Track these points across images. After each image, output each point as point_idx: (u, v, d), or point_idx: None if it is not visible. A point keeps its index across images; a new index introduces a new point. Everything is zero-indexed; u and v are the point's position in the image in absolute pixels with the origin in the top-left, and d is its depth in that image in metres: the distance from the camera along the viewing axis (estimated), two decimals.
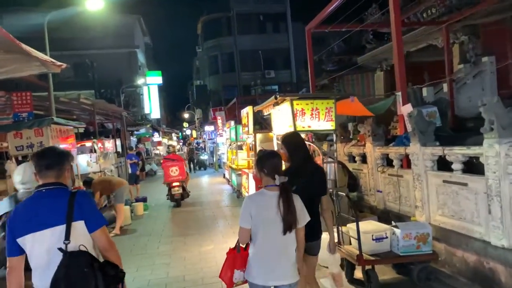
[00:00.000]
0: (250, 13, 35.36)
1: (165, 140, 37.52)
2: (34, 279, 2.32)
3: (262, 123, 10.50)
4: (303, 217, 2.82)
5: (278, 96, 6.23)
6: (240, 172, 11.72)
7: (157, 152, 32.55)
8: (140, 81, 29.18)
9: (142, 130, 27.37)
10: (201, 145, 33.54)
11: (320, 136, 8.31)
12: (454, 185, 4.51)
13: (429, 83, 8.96)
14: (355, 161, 7.51)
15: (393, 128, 7.93)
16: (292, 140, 3.58)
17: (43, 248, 2.27)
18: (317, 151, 6.59)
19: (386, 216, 6.03)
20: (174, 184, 11.57)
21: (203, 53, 39.92)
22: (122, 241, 7.71)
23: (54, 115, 10.14)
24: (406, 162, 5.80)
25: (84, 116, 15.58)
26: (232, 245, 3.04)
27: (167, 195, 11.93)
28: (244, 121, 10.77)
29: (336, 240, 4.40)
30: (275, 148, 6.47)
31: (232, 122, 15.27)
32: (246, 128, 10.42)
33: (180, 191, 11.58)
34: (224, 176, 17.86)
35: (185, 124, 47.77)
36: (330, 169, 6.25)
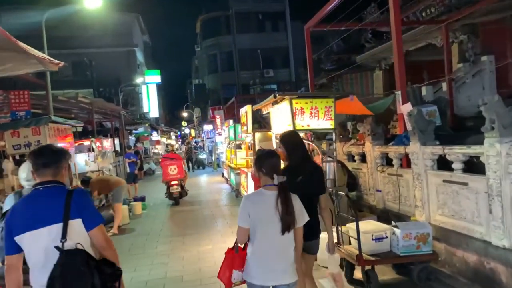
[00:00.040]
0: (249, 12, 35.30)
1: (163, 139, 37.46)
2: (32, 278, 2.31)
3: (261, 122, 10.48)
4: (302, 217, 2.80)
5: (277, 95, 6.19)
6: (238, 171, 11.69)
7: (156, 151, 32.48)
8: (138, 80, 29.13)
9: (141, 129, 27.33)
10: (199, 144, 33.49)
11: (319, 135, 8.28)
12: (455, 184, 4.48)
13: (429, 82, 8.94)
14: (354, 160, 7.48)
15: (393, 127, 7.90)
16: (290, 139, 3.58)
17: (40, 246, 2.26)
18: (316, 150, 6.55)
19: (385, 215, 6.01)
20: (173, 182, 11.66)
21: (202, 52, 39.85)
22: (120, 240, 7.67)
23: (52, 114, 10.09)
24: (406, 162, 5.77)
25: (82, 115, 15.55)
26: (231, 245, 3.03)
27: (165, 194, 12.01)
28: (243, 120, 10.73)
29: (335, 240, 4.39)
30: (274, 147, 6.44)
31: (231, 121, 15.23)
32: (245, 127, 10.38)
33: (179, 189, 11.67)
34: (222, 175, 17.83)
35: (184, 123, 47.74)
36: (329, 168, 6.21)
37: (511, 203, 3.76)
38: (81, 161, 11.16)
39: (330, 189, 5.22)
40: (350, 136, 8.54)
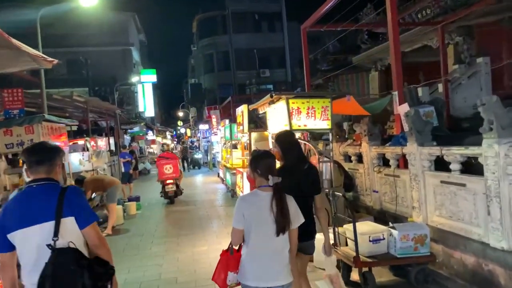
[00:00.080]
0: (246, 12, 35.28)
1: (159, 139, 37.33)
2: (23, 276, 2.29)
3: (257, 122, 10.42)
4: (297, 218, 2.78)
5: (273, 95, 6.15)
6: (234, 171, 11.65)
7: (151, 150, 32.37)
8: (134, 79, 29.02)
9: (136, 129, 27.21)
10: (195, 143, 33.40)
11: (316, 135, 8.24)
12: (452, 185, 4.44)
13: (426, 82, 8.94)
14: (351, 161, 7.44)
15: (390, 127, 7.88)
16: (286, 139, 3.58)
17: (32, 244, 2.24)
18: (312, 150, 6.51)
19: (382, 216, 5.97)
20: (168, 181, 11.78)
21: (198, 51, 39.77)
22: (114, 241, 7.59)
23: (46, 113, 10.00)
24: (403, 162, 5.73)
25: (77, 114, 15.46)
26: (226, 246, 2.99)
27: (160, 193, 12.07)
28: (239, 119, 10.68)
29: (332, 242, 4.35)
30: (270, 147, 6.39)
31: (227, 121, 15.19)
32: (241, 127, 10.33)
33: (174, 188, 11.79)
34: (218, 175, 17.77)
35: (180, 123, 47.58)
36: (326, 168, 6.17)
37: (510, 204, 3.72)
38: (75, 161, 11.07)
39: (327, 190, 5.17)
40: (346, 136, 8.50)
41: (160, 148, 31.99)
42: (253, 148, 9.56)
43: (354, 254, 4.25)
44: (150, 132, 32.73)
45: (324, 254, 3.62)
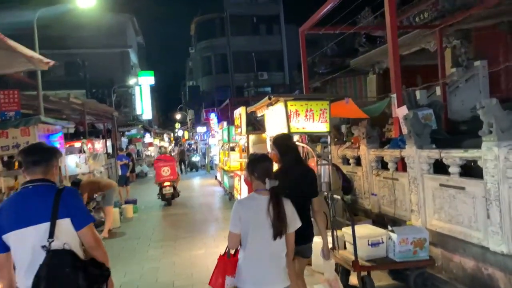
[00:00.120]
0: (244, 15, 35.31)
1: (156, 141, 37.24)
2: (18, 278, 2.28)
3: (255, 124, 10.39)
4: (294, 222, 2.78)
5: (272, 97, 6.11)
6: (232, 174, 11.60)
7: (148, 153, 32.27)
8: (132, 81, 28.94)
9: (134, 131, 27.12)
10: (193, 146, 33.33)
11: (314, 138, 8.21)
12: (451, 188, 4.42)
13: (424, 85, 8.94)
14: (349, 164, 7.41)
15: (388, 130, 7.86)
16: (283, 142, 3.58)
17: (27, 246, 2.23)
18: (311, 153, 6.48)
19: (381, 220, 5.94)
20: (166, 183, 11.91)
21: (196, 54, 39.76)
22: (110, 244, 7.52)
23: (42, 114, 9.94)
24: (401, 165, 5.71)
25: (74, 116, 15.39)
26: (224, 250, 2.96)
27: (158, 194, 12.18)
28: (236, 122, 10.64)
29: (330, 245, 4.31)
30: (269, 150, 6.35)
31: (225, 123, 15.15)
32: (239, 129, 10.28)
33: (171, 190, 11.90)
34: (216, 178, 17.71)
35: (177, 125, 47.50)
36: (324, 171, 6.13)
37: (510, 208, 3.70)
38: (72, 163, 10.97)
39: (326, 193, 5.14)
40: (344, 139, 8.48)
41: (157, 151, 31.91)
42: (251, 150, 9.53)
43: (353, 258, 4.21)
44: (147, 135, 32.65)
45: (323, 257, 3.60)
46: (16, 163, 9.04)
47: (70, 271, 2.19)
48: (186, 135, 40.08)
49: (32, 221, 2.23)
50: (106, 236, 8.09)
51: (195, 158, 26.48)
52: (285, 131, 5.70)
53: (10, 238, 2.24)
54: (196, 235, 7.99)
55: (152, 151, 32.57)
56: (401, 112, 5.66)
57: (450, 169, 4.46)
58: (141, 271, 6.01)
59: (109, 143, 18.74)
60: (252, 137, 10.10)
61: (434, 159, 4.80)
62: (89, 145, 13.01)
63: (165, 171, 11.99)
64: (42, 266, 2.17)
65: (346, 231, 4.57)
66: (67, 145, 11.78)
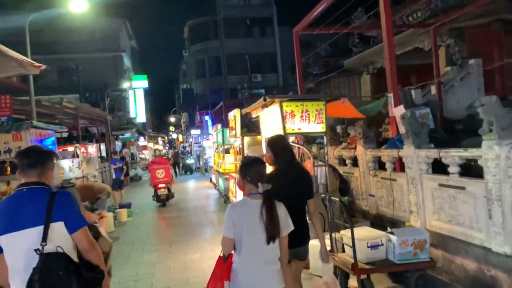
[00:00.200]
0: (237, 17, 35.32)
1: (150, 145, 37.08)
2: (11, 281, 2.27)
3: (250, 126, 10.30)
4: (287, 226, 2.76)
5: (267, 98, 6.03)
6: (227, 176, 11.52)
7: (143, 156, 32.11)
8: (125, 85, 28.80)
9: (127, 135, 27.01)
10: (187, 149, 33.21)
11: (310, 139, 8.14)
12: (451, 188, 4.34)
13: (420, 84, 8.91)
14: (345, 164, 7.34)
15: (385, 130, 7.78)
16: (278, 143, 3.54)
17: (20, 249, 2.23)
18: (306, 154, 6.40)
19: (379, 221, 5.86)
20: (160, 185, 12.20)
21: (190, 57, 39.70)
22: None
23: (35, 119, 9.83)
24: (399, 165, 5.63)
25: (67, 120, 15.31)
26: (219, 253, 2.89)
27: (153, 196, 12.43)
28: (231, 124, 10.55)
29: (329, 248, 4.22)
30: (264, 151, 6.27)
31: (219, 126, 15.07)
32: (234, 131, 10.19)
33: (166, 192, 12.20)
34: (210, 181, 17.62)
35: (171, 128, 47.33)
36: (320, 172, 6.07)
37: None
38: (65, 167, 10.85)
39: (323, 195, 5.05)
40: (340, 139, 8.41)
41: (152, 154, 31.79)
42: (246, 152, 9.44)
43: (352, 260, 4.11)
44: (141, 138, 32.50)
45: (321, 260, 3.53)
46: (9, 168, 8.90)
47: (63, 275, 2.18)
48: (181, 138, 39.94)
49: (25, 224, 2.23)
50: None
51: (190, 161, 26.37)
52: (281, 132, 5.63)
53: (3, 241, 2.24)
54: (191, 239, 7.88)
55: (146, 154, 32.42)
56: (398, 111, 5.59)
57: (450, 169, 4.38)
58: (135, 277, 5.89)
59: (103, 147, 18.61)
60: (247, 139, 10.01)
61: (432, 159, 4.72)
62: (83, 149, 12.89)
63: (160, 173, 12.26)
64: (35, 270, 2.16)
65: (345, 233, 4.48)
66: (60, 150, 11.67)
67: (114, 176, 14.47)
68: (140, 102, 32.01)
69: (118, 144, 25.37)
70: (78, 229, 2.34)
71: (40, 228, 2.22)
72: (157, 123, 56.93)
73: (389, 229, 4.45)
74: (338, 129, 9.38)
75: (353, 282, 4.48)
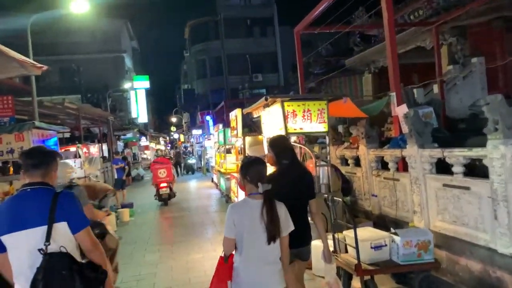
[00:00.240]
0: (238, 18, 35.25)
1: (152, 145, 37.10)
2: (15, 280, 2.30)
3: (252, 126, 10.27)
4: (287, 226, 2.77)
5: (268, 98, 6.00)
6: (228, 176, 11.50)
7: (145, 156, 32.13)
8: (127, 85, 28.84)
9: (129, 135, 27.02)
10: (188, 149, 33.21)
11: (311, 139, 8.10)
12: (455, 189, 4.29)
13: (423, 83, 8.86)
14: (347, 164, 7.30)
15: (387, 129, 7.75)
16: (279, 144, 3.53)
17: (24, 249, 2.25)
18: (308, 154, 6.36)
19: (382, 221, 5.82)
20: (162, 185, 12.42)
21: (191, 57, 39.69)
22: None
23: (37, 120, 9.85)
24: (402, 165, 5.59)
25: (69, 121, 15.34)
26: (221, 253, 2.90)
27: (155, 195, 12.58)
28: (232, 124, 10.52)
29: (331, 249, 4.19)
30: (265, 151, 6.24)
31: (220, 125, 15.05)
32: (235, 131, 10.16)
33: (168, 191, 12.44)
34: (212, 180, 17.60)
35: (173, 128, 47.34)
36: (323, 172, 6.04)
37: None
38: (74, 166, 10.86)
39: (325, 195, 5.01)
40: (343, 139, 8.37)
41: (154, 154, 31.80)
42: (247, 152, 9.42)
43: (355, 261, 4.07)
44: (143, 138, 32.52)
45: (324, 261, 3.50)
46: (11, 168, 8.90)
47: (66, 274, 2.20)
48: (182, 138, 39.94)
49: (29, 224, 2.25)
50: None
51: (191, 161, 26.37)
52: (282, 132, 5.60)
53: (7, 240, 2.26)
54: (193, 239, 7.85)
55: (148, 154, 32.44)
56: (401, 110, 5.55)
57: (454, 169, 4.34)
58: (138, 277, 5.88)
59: (105, 147, 18.63)
60: (248, 139, 9.99)
61: (436, 159, 4.68)
62: (85, 150, 12.92)
63: (162, 173, 12.44)
64: (39, 269, 2.18)
65: (348, 234, 4.44)
66: (63, 150, 11.68)
67: (116, 176, 14.52)
68: (142, 102, 32.06)
69: (120, 144, 25.39)
70: (81, 230, 2.36)
71: (44, 228, 2.24)
72: (159, 123, 56.95)
73: (392, 230, 4.40)
74: (340, 128, 9.35)
75: (356, 283, 4.44)
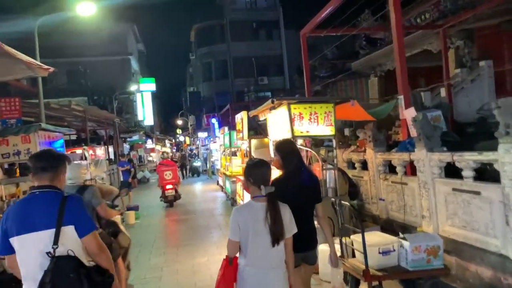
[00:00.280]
0: (244, 21, 35.33)
1: (158, 147, 37.20)
2: (24, 282, 2.32)
3: (257, 129, 10.25)
4: (291, 228, 2.79)
5: (275, 100, 5.97)
6: (234, 179, 11.47)
7: (150, 159, 32.20)
8: (133, 87, 28.98)
9: (135, 137, 27.13)
10: (194, 151, 33.26)
11: (318, 142, 8.05)
12: (465, 193, 4.22)
13: (431, 86, 8.78)
14: (354, 168, 7.23)
15: (395, 133, 7.68)
16: (286, 147, 3.52)
17: (32, 251, 2.27)
18: (314, 157, 6.31)
19: (389, 226, 5.74)
20: (168, 187, 12.64)
21: (197, 60, 39.81)
22: None
23: (43, 122, 9.88)
24: (410, 169, 5.53)
25: (76, 123, 15.41)
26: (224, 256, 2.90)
27: (160, 197, 12.78)
28: (238, 126, 10.51)
29: (339, 253, 4.13)
30: (271, 154, 6.21)
31: (226, 128, 15.05)
32: (241, 134, 10.15)
33: (173, 193, 12.66)
34: (217, 183, 17.58)
35: (179, 131, 47.47)
36: (330, 176, 5.98)
37: None
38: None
39: (333, 199, 4.96)
40: (349, 142, 8.31)
41: (160, 156, 31.90)
42: (252, 155, 9.40)
43: (363, 266, 4.01)
44: (149, 141, 32.62)
45: (330, 265, 3.47)
46: (18, 170, 8.92)
47: (74, 277, 2.22)
48: (188, 141, 40.02)
49: (38, 226, 2.27)
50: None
51: (197, 163, 26.39)
52: (289, 135, 5.56)
53: (16, 242, 2.29)
54: (199, 242, 7.82)
55: (154, 157, 32.52)
56: (409, 114, 5.49)
57: (464, 173, 4.27)
58: (143, 280, 5.86)
59: (111, 149, 18.68)
60: (254, 141, 9.97)
61: (445, 163, 4.61)
62: (91, 152, 12.94)
63: (168, 175, 12.69)
64: (47, 272, 2.20)
65: (355, 238, 4.38)
66: (69, 152, 11.71)
67: (122, 179, 14.55)
68: (148, 105, 32.19)
69: (126, 146, 25.49)
70: (88, 234, 2.38)
71: (52, 231, 2.26)
72: (165, 125, 57.15)
73: (401, 235, 4.34)
74: (346, 131, 9.28)
75: None
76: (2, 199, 7.55)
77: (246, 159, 10.86)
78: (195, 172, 25.35)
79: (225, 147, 14.89)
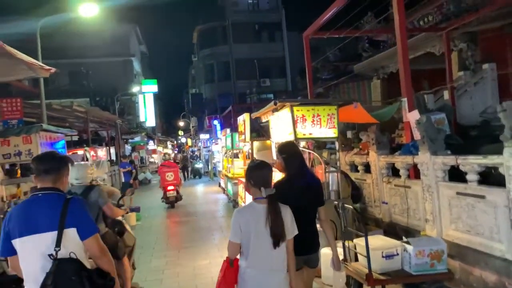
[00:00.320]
0: (246, 23, 35.37)
1: (160, 148, 37.21)
2: (26, 284, 2.33)
3: (260, 131, 10.22)
4: (292, 230, 2.79)
5: (277, 102, 5.94)
6: (236, 181, 11.44)
7: (152, 160, 32.20)
8: (135, 89, 29.02)
9: (137, 138, 27.14)
10: (196, 153, 33.26)
11: (320, 144, 8.01)
12: (470, 197, 4.18)
13: (434, 89, 8.75)
14: (357, 171, 7.19)
15: (398, 136, 7.63)
16: (288, 150, 3.50)
17: (34, 253, 2.27)
18: (317, 160, 6.28)
19: (392, 229, 5.70)
20: (169, 188, 12.82)
21: (199, 61, 39.86)
22: None
23: (45, 122, 9.88)
24: (414, 172, 5.48)
25: (78, 124, 15.41)
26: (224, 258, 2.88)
27: (162, 198, 12.95)
28: (240, 128, 10.48)
29: (341, 257, 4.10)
30: (273, 156, 6.18)
31: (228, 130, 15.04)
32: (243, 136, 10.12)
33: (175, 194, 12.86)
34: (219, 185, 17.56)
35: (180, 132, 47.49)
36: (332, 179, 5.95)
37: None
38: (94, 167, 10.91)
39: (336, 202, 4.93)
40: (352, 145, 8.27)
41: (162, 158, 31.89)
42: (254, 157, 9.37)
43: (366, 270, 3.98)
44: (151, 142, 32.62)
45: (333, 268, 3.45)
46: (19, 171, 8.91)
47: (76, 280, 2.22)
48: (189, 142, 40.03)
49: (40, 229, 2.28)
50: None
51: (199, 165, 26.38)
52: (291, 137, 5.54)
53: (18, 244, 2.29)
54: (200, 244, 7.80)
55: (155, 158, 32.52)
56: (412, 116, 5.45)
57: (468, 177, 4.22)
58: (144, 283, 5.82)
59: (112, 150, 18.69)
60: (256, 143, 9.94)
61: (449, 166, 4.56)
62: (92, 153, 12.95)
63: (169, 176, 12.85)
64: (48, 275, 2.20)
65: (358, 242, 4.35)
66: (70, 153, 11.71)
67: (123, 180, 14.54)
68: (150, 106, 32.20)
69: (128, 147, 25.49)
70: (90, 236, 2.38)
71: (54, 233, 2.27)
72: (166, 127, 57.19)
73: (404, 239, 4.30)
74: (349, 134, 9.24)
75: None
76: (3, 200, 7.54)
77: (248, 161, 10.84)
78: (196, 173, 25.34)
79: (227, 149, 14.87)
